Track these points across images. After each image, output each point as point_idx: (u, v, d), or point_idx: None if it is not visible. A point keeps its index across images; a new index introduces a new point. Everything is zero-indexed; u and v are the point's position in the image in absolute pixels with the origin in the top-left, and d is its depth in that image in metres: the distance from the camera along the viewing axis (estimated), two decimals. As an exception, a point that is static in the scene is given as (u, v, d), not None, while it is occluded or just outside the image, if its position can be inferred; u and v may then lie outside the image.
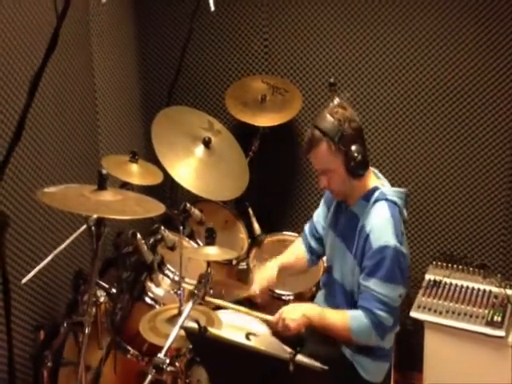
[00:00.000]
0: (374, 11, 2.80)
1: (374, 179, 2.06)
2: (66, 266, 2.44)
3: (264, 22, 3.03)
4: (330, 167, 1.97)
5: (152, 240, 2.30)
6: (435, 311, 2.48)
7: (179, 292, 1.93)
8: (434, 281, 2.62)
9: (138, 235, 1.90)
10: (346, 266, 2.05)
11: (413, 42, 2.76)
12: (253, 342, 1.57)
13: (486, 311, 2.42)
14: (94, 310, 2.13)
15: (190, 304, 1.72)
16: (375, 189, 2.00)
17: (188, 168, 2.62)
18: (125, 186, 2.33)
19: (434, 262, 2.74)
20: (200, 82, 3.16)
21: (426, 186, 2.85)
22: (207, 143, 2.66)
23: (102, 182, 1.83)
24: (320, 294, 2.25)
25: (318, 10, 2.90)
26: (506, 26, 2.58)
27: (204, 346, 1.51)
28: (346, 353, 2.05)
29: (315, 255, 2.28)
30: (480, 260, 2.73)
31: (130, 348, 2.19)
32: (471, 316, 2.42)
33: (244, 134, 2.91)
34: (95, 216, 2.07)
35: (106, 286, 2.23)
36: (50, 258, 2.12)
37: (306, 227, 2.31)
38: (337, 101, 2.60)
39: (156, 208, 1.91)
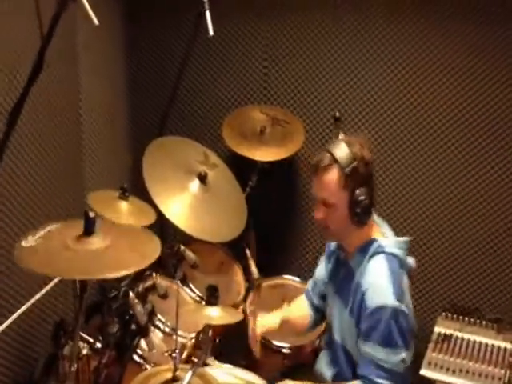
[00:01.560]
0: (381, 42, 2.66)
1: (374, 229, 1.85)
2: (44, 315, 2.17)
3: (264, 49, 2.86)
4: (332, 200, 1.75)
5: (141, 288, 2.06)
6: (448, 369, 2.27)
7: (174, 355, 1.68)
8: (445, 334, 2.43)
9: (131, 294, 1.66)
10: (345, 324, 1.85)
11: (423, 74, 2.62)
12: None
13: (503, 371, 2.23)
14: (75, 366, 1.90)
15: (190, 374, 1.48)
16: (373, 241, 1.80)
17: (181, 205, 2.39)
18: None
19: (444, 314, 2.55)
20: (194, 110, 2.96)
21: (433, 233, 2.69)
22: (203, 178, 2.44)
23: (89, 227, 1.61)
24: (322, 356, 2.03)
25: (321, 38, 2.75)
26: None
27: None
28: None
29: (319, 314, 2.09)
30: (492, 313, 2.56)
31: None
32: (487, 377, 2.22)
33: (241, 167, 2.69)
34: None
35: (90, 339, 1.98)
36: (25, 307, 1.88)
37: (309, 284, 2.13)
38: (341, 136, 2.45)
39: (152, 251, 1.68)
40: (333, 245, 1.98)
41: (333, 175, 1.74)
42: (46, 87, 2.14)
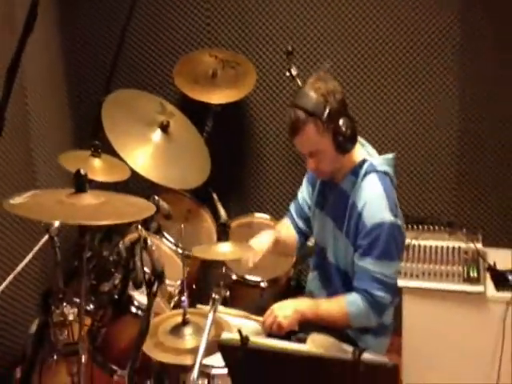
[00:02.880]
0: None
1: (360, 149, 1.95)
2: (29, 285, 2.12)
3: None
4: (319, 148, 1.84)
5: (128, 241, 2.06)
6: (411, 275, 2.49)
7: (183, 299, 1.73)
8: (404, 244, 2.65)
9: (149, 241, 1.67)
10: (340, 245, 1.96)
11: (380, 4, 2.65)
12: (308, 346, 1.44)
13: (461, 268, 2.47)
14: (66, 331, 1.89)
15: (212, 312, 1.55)
16: (363, 161, 1.90)
17: (146, 156, 2.39)
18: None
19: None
20: (136, 62, 2.87)
21: (377, 146, 2.83)
22: (165, 127, 2.43)
23: (81, 184, 1.57)
24: (312, 278, 2.14)
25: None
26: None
27: (242, 360, 1.35)
28: (349, 333, 1.99)
29: (303, 237, 2.18)
30: (442, 218, 2.79)
31: (116, 368, 1.94)
32: (447, 275, 2.46)
33: (194, 113, 2.68)
34: (57, 224, 1.82)
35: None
36: (9, 279, 1.84)
37: (292, 208, 2.18)
38: (294, 70, 2.48)
39: (147, 206, 1.70)
40: None
41: (311, 128, 1.80)
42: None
